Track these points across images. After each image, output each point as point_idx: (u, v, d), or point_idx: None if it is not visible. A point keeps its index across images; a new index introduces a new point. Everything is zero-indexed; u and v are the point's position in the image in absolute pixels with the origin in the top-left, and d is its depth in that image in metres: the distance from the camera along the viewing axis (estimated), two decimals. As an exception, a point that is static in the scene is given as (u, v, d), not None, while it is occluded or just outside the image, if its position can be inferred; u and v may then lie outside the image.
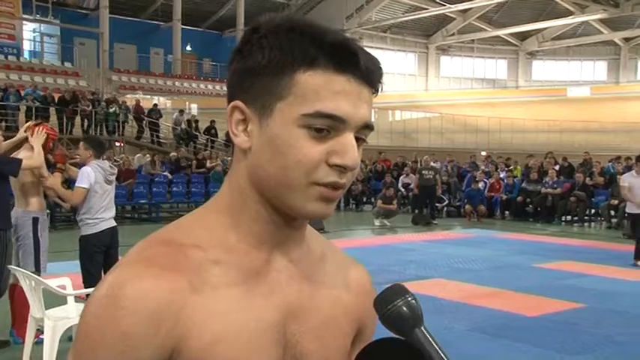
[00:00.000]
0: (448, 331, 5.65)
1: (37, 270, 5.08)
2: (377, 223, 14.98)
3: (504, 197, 16.85)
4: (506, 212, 16.96)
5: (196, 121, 23.32)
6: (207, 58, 35.94)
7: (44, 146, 5.28)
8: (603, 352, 5.27)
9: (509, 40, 43.03)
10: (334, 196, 0.83)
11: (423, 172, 16.21)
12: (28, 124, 5.57)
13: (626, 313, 6.61)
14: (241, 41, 0.85)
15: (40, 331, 4.63)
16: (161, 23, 34.87)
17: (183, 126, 22.69)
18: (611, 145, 27.87)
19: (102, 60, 29.76)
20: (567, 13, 36.41)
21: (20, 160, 4.91)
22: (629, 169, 16.25)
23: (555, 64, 44.69)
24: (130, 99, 25.06)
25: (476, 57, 44.35)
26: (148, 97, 27.64)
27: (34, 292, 4.44)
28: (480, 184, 16.96)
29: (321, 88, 0.79)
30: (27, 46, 31.19)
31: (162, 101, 28.32)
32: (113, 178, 5.47)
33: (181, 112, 23.79)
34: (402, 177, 18.53)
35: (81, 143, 5.60)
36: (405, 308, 0.84)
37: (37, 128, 5.26)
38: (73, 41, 31.24)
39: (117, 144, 21.50)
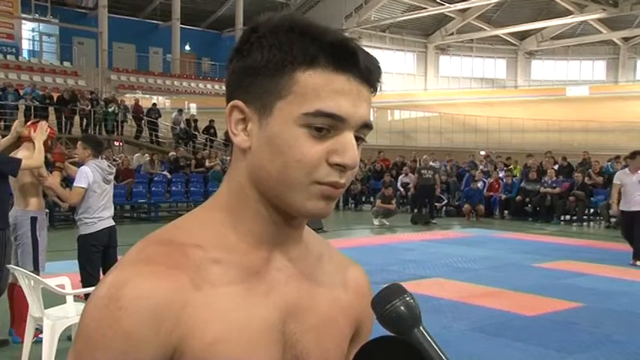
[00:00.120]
0: (447, 330, 5.65)
1: (36, 269, 5.07)
2: (376, 222, 14.98)
3: (503, 197, 16.87)
4: (505, 212, 16.97)
5: (195, 121, 23.33)
6: (206, 57, 35.93)
7: (44, 145, 5.28)
8: (602, 351, 5.27)
9: (508, 39, 43.06)
10: (334, 194, 0.83)
11: (422, 171, 16.22)
12: (27, 123, 5.57)
13: (625, 312, 6.62)
14: (240, 41, 0.85)
15: (39, 330, 4.64)
16: (160, 23, 34.87)
17: (182, 125, 22.69)
18: (610, 145, 27.89)
19: (101, 59, 29.77)
20: (566, 13, 36.43)
21: (20, 160, 4.90)
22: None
23: (554, 64, 44.72)
24: (128, 98, 25.07)
25: (475, 56, 44.37)
26: (147, 96, 27.64)
27: (33, 292, 4.44)
28: (479, 184, 16.97)
29: (322, 88, 0.79)
30: (26, 46, 31.17)
31: (161, 101, 28.31)
32: (111, 177, 5.47)
33: (180, 111, 23.79)
34: (401, 176, 18.54)
35: (79, 142, 5.59)
36: (403, 308, 0.84)
37: (40, 123, 5.26)
38: (71, 40, 31.22)
39: (116, 143, 21.50)
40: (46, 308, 4.45)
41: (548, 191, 15.98)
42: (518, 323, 6.11)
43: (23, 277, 4.52)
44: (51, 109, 20.19)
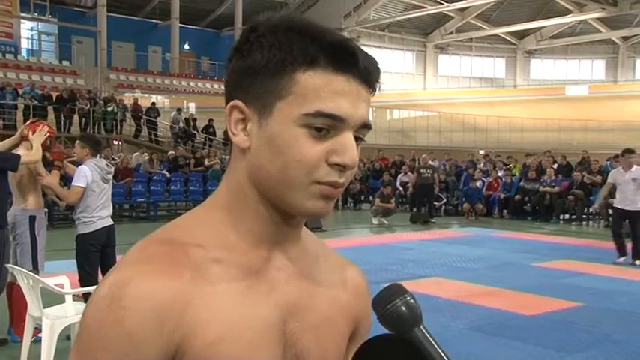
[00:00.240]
0: (446, 329, 5.66)
1: (35, 268, 5.08)
2: (375, 221, 14.99)
3: (502, 196, 16.88)
4: (505, 211, 16.98)
5: (194, 120, 23.33)
6: (205, 56, 35.92)
7: (42, 144, 5.27)
8: (601, 350, 5.27)
9: (508, 38, 43.07)
10: (334, 194, 0.83)
11: (421, 170, 16.23)
12: (26, 123, 5.58)
13: (624, 311, 6.62)
14: (239, 40, 0.85)
15: (38, 329, 4.63)
16: (159, 22, 34.84)
17: (182, 124, 22.69)
18: (609, 144, 27.88)
19: (100, 58, 29.76)
20: (565, 12, 36.43)
21: (19, 156, 4.91)
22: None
23: (553, 63, 44.73)
24: (127, 97, 25.04)
25: (474, 56, 44.37)
26: (146, 95, 27.62)
27: (32, 291, 4.43)
28: (478, 183, 16.98)
29: (321, 88, 0.80)
30: (25, 45, 31.14)
31: (161, 100, 28.29)
32: (110, 176, 5.47)
33: (179, 110, 23.79)
34: (400, 176, 18.54)
35: (77, 142, 5.59)
36: (403, 308, 0.84)
37: (39, 127, 5.26)
38: (70, 39, 31.21)
39: (115, 142, 21.49)
40: (45, 307, 4.45)
41: (547, 190, 15.99)
42: (517, 322, 6.12)
43: (22, 277, 4.52)
44: (50, 108, 20.17)
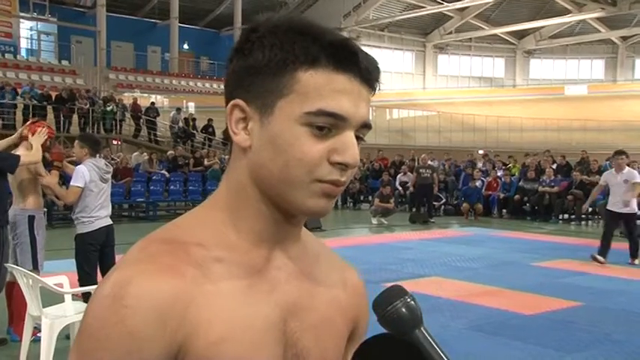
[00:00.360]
0: (445, 329, 5.65)
1: (35, 268, 5.08)
2: (374, 221, 14.99)
3: (502, 195, 16.88)
4: (504, 210, 16.99)
5: (194, 120, 23.33)
6: (204, 56, 35.93)
7: (42, 145, 5.28)
8: (600, 350, 5.27)
9: (507, 38, 43.08)
10: (335, 192, 0.84)
11: (421, 170, 16.24)
12: (27, 123, 5.59)
13: (623, 311, 6.63)
14: (240, 40, 0.85)
15: (37, 329, 4.63)
16: (158, 21, 34.83)
17: (181, 124, 22.69)
18: (609, 144, 27.87)
19: (99, 58, 29.76)
20: (565, 12, 36.44)
21: (18, 157, 4.91)
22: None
23: (553, 63, 44.74)
24: (127, 97, 25.04)
25: (473, 55, 44.38)
26: (146, 95, 27.62)
27: (31, 290, 4.43)
28: (478, 183, 16.98)
29: (323, 87, 0.80)
30: (24, 44, 31.15)
31: (160, 99, 28.29)
32: (109, 176, 5.46)
33: (179, 110, 23.79)
34: (399, 175, 18.55)
35: (76, 141, 5.60)
36: (404, 309, 0.84)
37: (38, 128, 5.27)
38: (70, 39, 31.22)
39: (114, 142, 21.49)
40: (44, 307, 4.45)
41: (547, 190, 15.99)
42: (517, 322, 6.12)
43: (21, 276, 4.52)
44: (49, 108, 20.17)
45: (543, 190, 16.04)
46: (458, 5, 35.33)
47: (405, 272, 8.48)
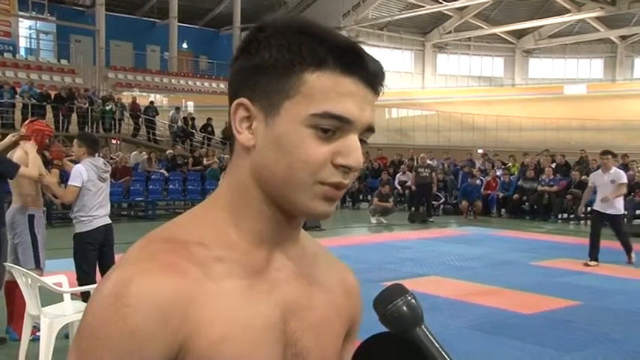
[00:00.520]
0: (444, 328, 5.65)
1: (38, 267, 5.09)
2: (373, 220, 14.99)
3: (501, 195, 16.88)
4: (503, 210, 16.99)
5: (193, 119, 23.33)
6: (203, 55, 35.88)
7: (40, 143, 5.30)
8: (599, 349, 5.28)
9: (506, 37, 43.07)
10: (337, 195, 0.84)
11: (420, 169, 16.24)
12: (25, 122, 5.60)
13: (622, 310, 6.63)
14: (246, 40, 0.85)
15: (36, 328, 4.63)
16: (157, 20, 34.79)
17: (180, 123, 22.68)
18: (608, 143, 27.84)
19: (98, 57, 29.73)
20: (564, 11, 36.44)
21: (19, 166, 4.93)
22: (625, 167, 16.30)
23: (552, 62, 44.73)
24: (126, 96, 25.02)
25: (472, 55, 44.37)
26: (145, 94, 27.60)
27: (30, 290, 4.43)
28: (477, 181, 16.99)
29: (330, 90, 0.80)
30: (23, 43, 31.09)
31: (159, 99, 28.28)
32: (107, 175, 5.46)
33: (178, 109, 23.78)
34: (398, 175, 18.55)
35: (75, 141, 5.61)
36: (405, 308, 0.85)
37: (37, 125, 5.28)
38: (69, 38, 31.18)
39: (113, 141, 21.47)
40: (43, 306, 4.45)
41: (546, 189, 16.00)
42: (516, 321, 6.12)
43: (20, 275, 4.52)
44: (48, 107, 20.15)
45: (542, 189, 16.05)
46: (457, 4, 35.34)
47: (404, 271, 8.48)
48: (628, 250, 9.38)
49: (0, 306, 5.32)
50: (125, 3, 33.57)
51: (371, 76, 0.83)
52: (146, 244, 0.82)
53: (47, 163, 5.61)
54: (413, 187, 16.50)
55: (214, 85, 32.22)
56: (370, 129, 0.85)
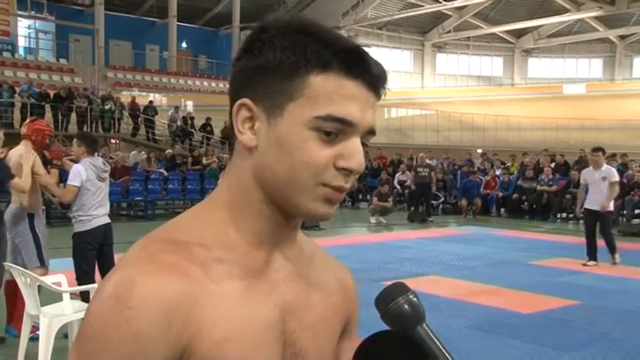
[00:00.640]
0: (444, 328, 5.65)
1: (42, 265, 5.10)
2: (373, 220, 15.00)
3: (500, 194, 16.89)
4: (502, 209, 17.00)
5: (192, 118, 23.33)
6: (202, 55, 35.87)
7: (41, 143, 5.30)
8: (598, 348, 5.28)
9: (505, 37, 43.08)
10: (338, 198, 0.84)
11: (419, 169, 16.24)
12: (26, 122, 5.61)
13: (621, 309, 6.64)
14: (249, 40, 0.85)
15: (35, 327, 4.63)
16: (157, 20, 34.78)
17: (179, 123, 22.68)
18: (607, 143, 27.71)
19: (97, 56, 29.72)
20: (563, 11, 36.46)
21: (12, 176, 4.95)
22: (624, 166, 16.33)
23: (551, 62, 44.75)
24: (125, 96, 25.02)
25: (472, 54, 44.38)
26: (144, 93, 27.61)
27: (29, 289, 4.43)
28: (477, 179, 17.00)
29: (333, 92, 0.80)
30: (22, 43, 31.08)
31: (158, 98, 28.28)
32: (106, 175, 5.46)
33: (177, 109, 23.77)
34: (397, 174, 18.55)
35: (74, 140, 5.61)
36: (406, 306, 0.85)
37: (37, 125, 5.29)
38: (68, 38, 31.17)
39: (112, 141, 21.47)
40: (42, 306, 4.45)
41: (545, 189, 16.01)
42: (515, 321, 6.13)
43: (19, 275, 4.51)
44: (47, 107, 20.13)
45: (541, 189, 16.06)
46: (456, 4, 35.35)
47: (403, 271, 8.49)
48: (612, 250, 9.21)
49: (-1, 305, 5.32)
50: (124, 2, 33.56)
51: (374, 79, 0.83)
52: (147, 244, 0.81)
53: (47, 163, 5.61)
54: (412, 186, 16.50)
55: (213, 84, 32.21)
56: (372, 132, 0.85)
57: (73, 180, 5.18)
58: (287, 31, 0.82)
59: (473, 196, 16.47)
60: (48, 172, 5.45)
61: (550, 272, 8.66)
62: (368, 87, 0.83)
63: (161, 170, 16.76)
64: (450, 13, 39.43)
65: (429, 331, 0.85)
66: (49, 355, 4.22)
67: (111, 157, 15.51)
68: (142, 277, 0.75)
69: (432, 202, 16.81)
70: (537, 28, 41.37)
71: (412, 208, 16.31)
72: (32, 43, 31.48)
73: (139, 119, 22.34)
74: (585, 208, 9.22)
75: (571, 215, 15.74)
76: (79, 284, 5.03)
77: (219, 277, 0.81)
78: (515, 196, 16.46)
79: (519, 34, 42.75)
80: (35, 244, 5.12)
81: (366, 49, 0.84)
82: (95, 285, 4.75)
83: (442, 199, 17.94)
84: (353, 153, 0.82)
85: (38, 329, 4.46)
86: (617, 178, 9.15)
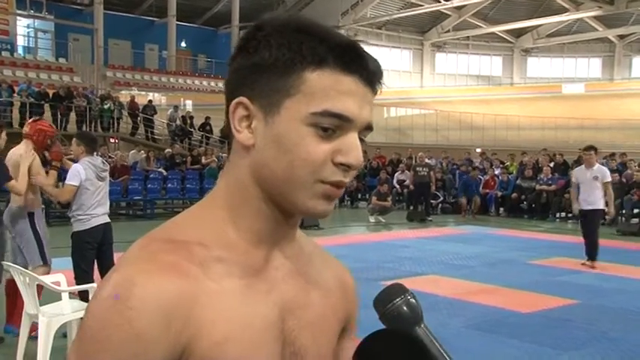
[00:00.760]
0: (443, 327, 5.65)
1: (45, 263, 5.09)
2: (372, 219, 15.00)
3: (499, 194, 16.90)
4: (501, 209, 17.00)
5: (191, 118, 23.32)
6: (202, 54, 35.84)
7: (42, 143, 5.30)
8: (597, 348, 5.29)
9: (504, 36, 43.08)
10: (337, 194, 0.84)
11: (418, 168, 16.25)
12: (28, 121, 5.62)
13: (620, 309, 6.64)
14: (245, 38, 0.85)
15: (36, 324, 4.63)
16: (156, 19, 34.75)
17: (178, 122, 22.67)
18: (606, 143, 27.88)
19: (96, 56, 29.69)
20: (562, 10, 36.47)
21: (10, 178, 4.95)
22: (623, 165, 16.34)
23: (550, 61, 44.74)
24: (124, 95, 25.00)
25: (471, 54, 44.37)
26: (143, 93, 27.59)
27: (28, 289, 4.43)
28: (477, 177, 17.01)
29: (330, 88, 0.80)
30: (21, 42, 31.06)
31: (157, 97, 28.26)
32: (105, 174, 5.46)
33: (176, 108, 23.77)
34: (396, 174, 18.57)
35: (73, 139, 5.60)
36: (404, 307, 0.85)
37: (39, 125, 5.29)
38: (67, 37, 31.14)
39: (111, 140, 21.45)
40: (41, 305, 4.44)
41: (544, 188, 16.01)
42: (514, 320, 6.13)
43: (18, 274, 4.51)
44: (46, 106, 20.10)
45: (540, 188, 16.06)
46: (455, 3, 35.34)
47: (402, 270, 8.49)
48: (592, 253, 8.87)
49: (-2, 304, 5.32)
50: (123, 1, 33.51)
51: (370, 74, 0.83)
52: (146, 244, 0.81)
53: (46, 164, 5.61)
54: (411, 186, 16.50)
55: (213, 83, 32.18)
56: (369, 127, 0.85)
57: (71, 179, 5.18)
58: (282, 29, 0.82)
59: (472, 194, 16.47)
60: (47, 173, 5.44)
61: (549, 271, 8.66)
62: (364, 82, 0.83)
63: (160, 169, 16.76)
64: (449, 12, 39.43)
65: (427, 332, 0.85)
66: (47, 355, 4.22)
67: (110, 157, 15.50)
68: (141, 276, 0.75)
69: (431, 201, 16.81)
70: (536, 28, 41.38)
71: (411, 208, 16.32)
72: (31, 43, 31.46)
73: (138, 118, 22.33)
74: (579, 209, 9.09)
75: (570, 215, 15.74)
76: (78, 284, 5.03)
77: (219, 276, 0.81)
78: (514, 195, 16.47)
79: (518, 33, 42.75)
80: (37, 243, 5.12)
81: (364, 46, 0.84)
82: (94, 284, 4.75)
83: (441, 198, 17.94)
84: (351, 148, 0.82)
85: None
86: (609, 178, 8.99)
